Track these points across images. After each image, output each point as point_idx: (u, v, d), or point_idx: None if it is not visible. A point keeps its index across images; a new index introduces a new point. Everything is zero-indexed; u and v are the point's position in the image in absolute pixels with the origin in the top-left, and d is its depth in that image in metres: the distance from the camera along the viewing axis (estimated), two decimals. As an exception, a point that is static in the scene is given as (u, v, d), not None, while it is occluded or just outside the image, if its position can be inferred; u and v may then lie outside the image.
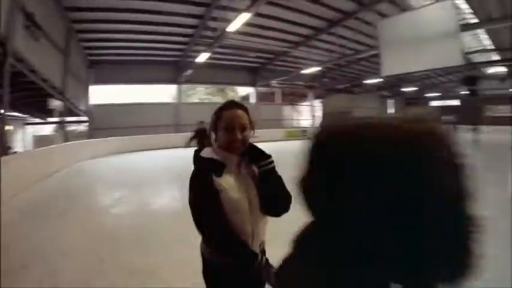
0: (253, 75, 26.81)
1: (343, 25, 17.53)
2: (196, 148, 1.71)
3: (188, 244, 4.48)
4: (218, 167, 1.52)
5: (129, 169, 12.13)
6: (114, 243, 4.53)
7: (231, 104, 1.60)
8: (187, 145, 9.38)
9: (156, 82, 22.91)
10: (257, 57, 22.98)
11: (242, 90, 28.35)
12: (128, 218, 5.86)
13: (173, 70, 22.60)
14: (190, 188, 1.51)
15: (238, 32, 14.34)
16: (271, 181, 1.60)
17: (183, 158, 13.50)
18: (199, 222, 1.50)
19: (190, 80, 23.09)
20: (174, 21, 15.51)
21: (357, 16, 16.38)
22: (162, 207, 6.71)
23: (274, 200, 1.60)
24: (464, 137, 18.19)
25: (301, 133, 27.72)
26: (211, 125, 1.61)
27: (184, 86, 24.22)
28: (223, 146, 1.54)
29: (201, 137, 9.50)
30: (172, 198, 7.53)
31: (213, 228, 1.49)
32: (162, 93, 23.78)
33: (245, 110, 1.60)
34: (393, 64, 14.19)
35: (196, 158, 1.60)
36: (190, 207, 1.51)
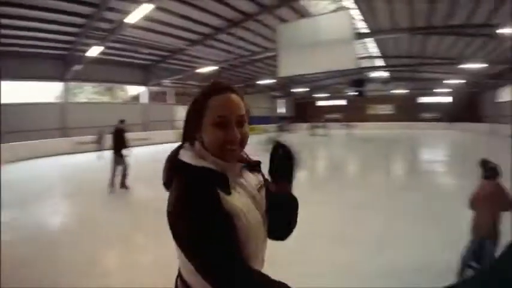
0: (145, 73, 25.93)
1: (243, 26, 18.24)
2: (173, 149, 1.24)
3: (99, 272, 4.22)
4: (223, 181, 1.11)
5: (14, 183, 10.53)
6: (10, 277, 3.98)
7: (221, 86, 1.16)
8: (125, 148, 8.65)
9: (40, 79, 20.36)
10: (151, 54, 22.42)
11: (132, 90, 27.28)
12: (22, 244, 5.13)
13: (59, 65, 20.36)
14: (187, 214, 1.01)
15: (135, 26, 13.87)
16: (290, 207, 1.31)
17: (75, 167, 12.89)
18: (210, 265, 0.98)
19: (78, 77, 21.22)
20: (63, 7, 13.74)
21: (257, 18, 17.28)
22: (61, 227, 6.21)
23: (289, 224, 1.33)
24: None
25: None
26: (191, 118, 1.18)
27: (71, 84, 22.17)
28: (214, 150, 1.12)
29: (117, 139, 8.60)
30: (71, 216, 7.03)
31: (237, 273, 0.98)
32: (46, 91, 21.34)
33: (238, 94, 1.17)
34: (290, 66, 15.35)
35: (181, 165, 1.13)
36: (190, 245, 1.01)
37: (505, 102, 31.43)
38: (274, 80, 27.14)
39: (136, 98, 27.19)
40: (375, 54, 26.76)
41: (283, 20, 16.72)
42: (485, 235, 3.67)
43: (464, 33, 18.33)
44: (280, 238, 1.33)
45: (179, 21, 16.84)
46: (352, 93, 32.86)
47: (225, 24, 18.03)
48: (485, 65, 22.58)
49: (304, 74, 17.32)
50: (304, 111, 47.21)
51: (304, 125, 38.10)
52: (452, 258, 3.92)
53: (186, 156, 1.14)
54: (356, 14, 16.97)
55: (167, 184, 1.16)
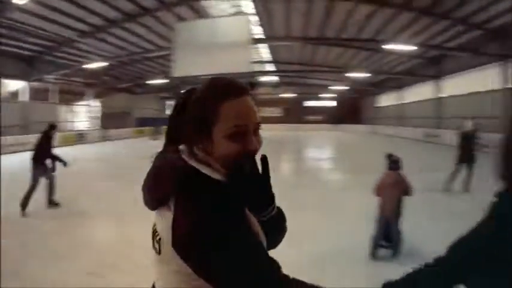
0: (27, 66, 22.73)
1: (139, 21, 18.17)
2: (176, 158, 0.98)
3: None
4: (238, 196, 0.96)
5: None
6: None
7: (236, 88, 0.96)
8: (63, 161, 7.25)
9: None
10: (35, 44, 20.21)
11: (11, 85, 23.48)
12: None
13: None
14: (225, 243, 0.80)
15: (21, 9, 13.08)
16: (277, 221, 1.11)
17: None
18: None
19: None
20: None
21: (155, 14, 17.41)
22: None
23: (280, 234, 1.19)
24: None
25: (77, 138, 26.18)
26: (197, 124, 0.96)
27: None
28: (226, 163, 0.94)
29: (43, 146, 7.13)
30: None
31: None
32: None
33: (251, 95, 1.00)
34: (185, 66, 16.09)
35: (198, 177, 0.93)
36: (234, 270, 0.80)
37: (383, 107, 39.23)
38: (166, 81, 27.39)
39: (15, 95, 23.69)
40: (267, 59, 29.23)
41: (181, 19, 17.23)
42: (390, 217, 4.41)
43: (352, 46, 21.28)
44: (271, 248, 1.10)
45: (71, 9, 15.79)
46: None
47: (120, 17, 17.65)
48: (367, 75, 26.41)
49: (198, 75, 17.65)
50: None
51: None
52: (362, 240, 4.63)
53: (198, 167, 0.95)
54: (254, 19, 18.29)
55: (156, 200, 0.97)
